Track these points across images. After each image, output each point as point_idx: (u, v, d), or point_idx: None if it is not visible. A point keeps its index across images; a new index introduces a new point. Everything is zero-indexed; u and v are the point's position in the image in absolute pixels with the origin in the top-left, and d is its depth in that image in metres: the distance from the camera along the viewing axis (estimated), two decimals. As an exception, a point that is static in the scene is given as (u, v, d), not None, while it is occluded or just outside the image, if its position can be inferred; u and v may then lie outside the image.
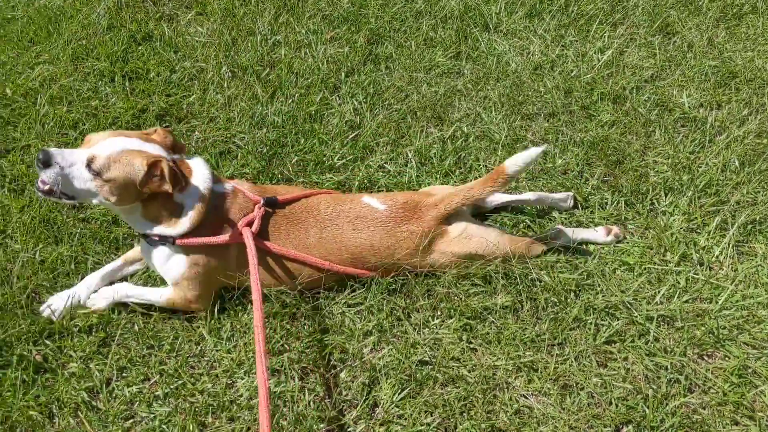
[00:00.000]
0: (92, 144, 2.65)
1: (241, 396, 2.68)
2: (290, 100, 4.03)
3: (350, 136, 3.82)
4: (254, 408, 2.65)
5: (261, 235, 2.87)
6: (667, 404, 2.66)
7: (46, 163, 2.56)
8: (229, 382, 2.74)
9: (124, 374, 2.77)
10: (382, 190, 3.54)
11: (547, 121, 3.97)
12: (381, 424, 2.62)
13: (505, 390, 2.72)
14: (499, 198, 3.43)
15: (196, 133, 3.81)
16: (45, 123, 3.76)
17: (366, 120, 3.94)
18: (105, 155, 2.59)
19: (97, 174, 2.59)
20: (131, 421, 2.64)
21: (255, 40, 4.48)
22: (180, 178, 2.70)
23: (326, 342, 2.87)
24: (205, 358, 2.84)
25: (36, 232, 3.22)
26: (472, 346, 2.87)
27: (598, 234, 3.29)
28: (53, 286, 3.03)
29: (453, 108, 4.06)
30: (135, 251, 3.11)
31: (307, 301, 3.01)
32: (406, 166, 3.66)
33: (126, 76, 4.15)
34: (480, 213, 3.43)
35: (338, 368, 2.82)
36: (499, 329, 2.92)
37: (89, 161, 2.59)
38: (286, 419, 2.61)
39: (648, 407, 2.64)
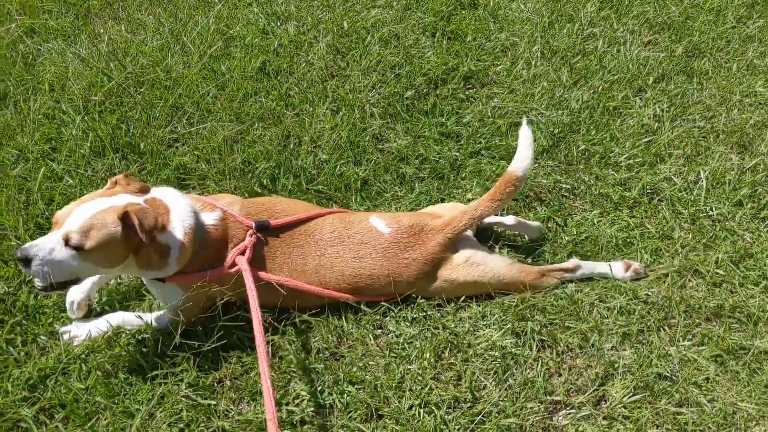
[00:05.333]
0: (61, 223, 2.51)
1: (479, 344, 2.85)
2: (592, 91, 4.06)
3: (644, 140, 3.76)
4: (489, 359, 2.80)
5: (255, 262, 2.80)
6: None
7: (26, 260, 2.44)
8: (471, 328, 2.92)
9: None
10: (663, 201, 3.46)
11: None
12: (604, 418, 2.63)
13: (743, 433, 2.59)
14: (506, 220, 3.24)
15: (496, 99, 4.01)
16: (370, 59, 4.19)
17: (664, 128, 3.85)
18: (77, 228, 2.45)
19: (79, 248, 2.46)
20: (380, 330, 2.93)
21: (572, 27, 4.55)
22: (153, 222, 2.53)
23: (570, 326, 2.92)
24: (454, 301, 3.03)
25: (341, 150, 3.64)
26: (718, 378, 2.76)
27: (615, 269, 3.08)
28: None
29: (762, 141, 3.81)
30: None
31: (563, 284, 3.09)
32: (695, 184, 3.54)
33: (445, 35, 4.46)
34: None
35: (575, 352, 2.86)
36: (752, 371, 2.76)
37: (66, 240, 2.46)
38: (514, 379, 2.73)
39: None
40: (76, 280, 2.61)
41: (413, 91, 4.02)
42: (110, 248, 2.50)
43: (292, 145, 3.69)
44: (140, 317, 2.86)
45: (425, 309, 2.96)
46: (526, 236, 3.31)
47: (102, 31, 4.52)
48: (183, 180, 3.51)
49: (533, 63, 4.25)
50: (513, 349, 2.83)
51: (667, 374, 2.75)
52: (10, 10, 4.65)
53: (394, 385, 2.70)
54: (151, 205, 2.64)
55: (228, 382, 2.74)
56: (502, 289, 3.00)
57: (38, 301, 2.98)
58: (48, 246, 2.46)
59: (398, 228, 2.93)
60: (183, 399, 2.64)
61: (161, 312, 2.91)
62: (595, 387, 2.72)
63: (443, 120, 3.88)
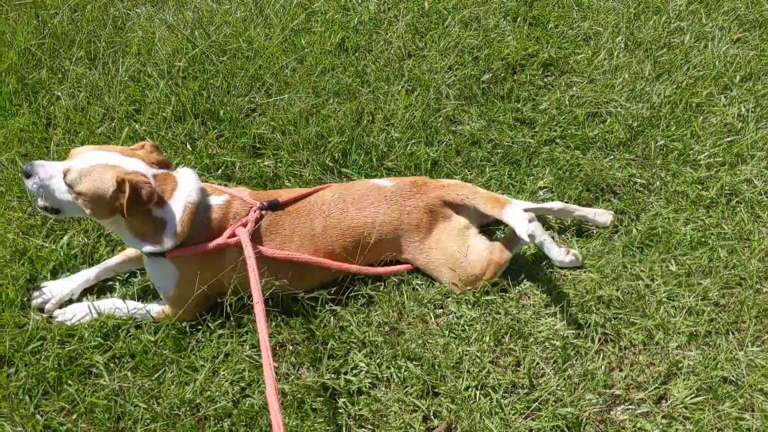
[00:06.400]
0: (74, 157, 2.63)
1: (541, 333, 2.83)
2: (675, 86, 3.94)
3: (726, 139, 3.64)
4: (549, 348, 2.79)
5: (257, 238, 2.79)
6: None
7: (28, 174, 2.61)
8: (533, 316, 2.90)
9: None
10: (742, 203, 3.35)
11: None
12: (663, 417, 2.59)
13: (810, 446, 2.51)
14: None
15: (574, 88, 3.94)
16: (449, 40, 4.17)
17: (748, 129, 3.71)
18: (78, 168, 2.57)
19: (71, 186, 2.58)
20: (441, 310, 2.95)
21: (659, 19, 4.42)
22: (145, 198, 2.58)
23: (635, 321, 2.88)
24: (517, 288, 3.02)
25: (413, 129, 3.65)
26: (787, 388, 2.68)
27: (559, 250, 2.97)
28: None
29: None
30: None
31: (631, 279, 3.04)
32: (778, 187, 3.42)
33: (527, 21, 4.39)
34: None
35: (638, 348, 2.82)
36: (825, 386, 2.67)
37: (65, 173, 2.59)
38: (574, 370, 2.71)
39: None
40: (62, 212, 2.71)
41: (490, 74, 3.99)
42: (97, 201, 2.58)
43: (365, 122, 3.71)
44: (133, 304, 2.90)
45: (488, 292, 2.97)
46: (593, 224, 3.27)
47: (189, -1, 4.64)
48: (258, 149, 3.59)
49: (615, 54, 4.15)
50: (575, 340, 2.81)
51: (733, 378, 2.69)
52: (104, -26, 4.82)
53: (451, 364, 2.72)
54: (162, 179, 2.70)
55: (290, 347, 2.81)
56: (469, 273, 2.93)
57: (116, 254, 3.11)
58: (50, 171, 2.61)
59: (400, 182, 3.03)
60: (246, 359, 2.72)
61: (154, 303, 2.93)
62: (656, 385, 2.68)
63: (519, 106, 3.84)
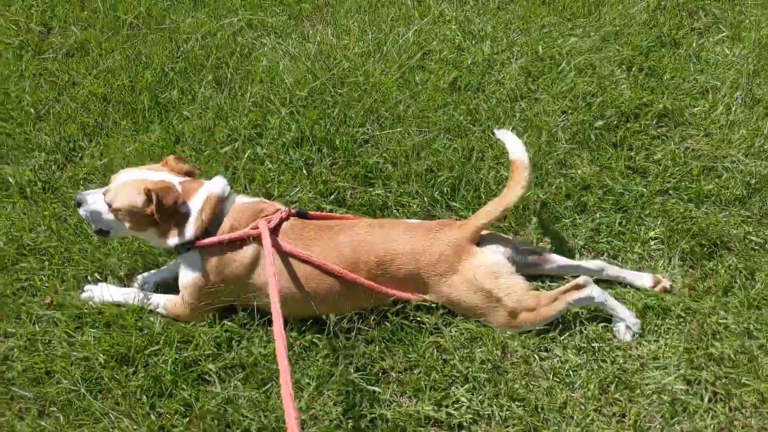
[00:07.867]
0: (112, 181, 2.99)
1: (648, 385, 2.78)
2: (794, 145, 3.84)
3: None
4: (656, 402, 2.73)
5: (279, 236, 2.95)
6: None
7: (79, 203, 2.99)
8: (641, 367, 2.85)
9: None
10: None
11: None
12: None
13: None
14: (554, 260, 3.18)
15: (690, 141, 3.89)
16: (562, 86, 4.20)
17: None
18: (114, 188, 2.92)
19: (109, 205, 2.91)
20: (546, 353, 2.94)
21: (780, 76, 4.32)
22: (170, 203, 2.84)
23: (747, 383, 2.78)
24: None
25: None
26: None
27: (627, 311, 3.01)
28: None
29: None
30: None
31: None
32: None
33: (642, 70, 4.38)
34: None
35: (749, 411, 2.72)
36: None
37: (105, 194, 2.93)
38: (681, 426, 2.65)
39: None
40: (110, 232, 3.04)
41: (603, 121, 3.98)
42: (132, 213, 2.89)
43: (474, 159, 3.77)
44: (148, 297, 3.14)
45: (594, 339, 2.94)
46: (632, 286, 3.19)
47: (311, 32, 4.86)
48: (370, 178, 3.70)
49: (734, 109, 4.08)
50: (683, 396, 2.74)
51: None
52: (236, 3, 5.10)
53: (555, 408, 2.70)
54: (188, 186, 2.98)
55: (393, 374, 2.87)
56: (507, 316, 2.92)
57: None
58: (95, 197, 2.97)
59: (427, 221, 3.16)
60: (350, 381, 2.79)
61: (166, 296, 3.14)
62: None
63: (632, 154, 3.82)
